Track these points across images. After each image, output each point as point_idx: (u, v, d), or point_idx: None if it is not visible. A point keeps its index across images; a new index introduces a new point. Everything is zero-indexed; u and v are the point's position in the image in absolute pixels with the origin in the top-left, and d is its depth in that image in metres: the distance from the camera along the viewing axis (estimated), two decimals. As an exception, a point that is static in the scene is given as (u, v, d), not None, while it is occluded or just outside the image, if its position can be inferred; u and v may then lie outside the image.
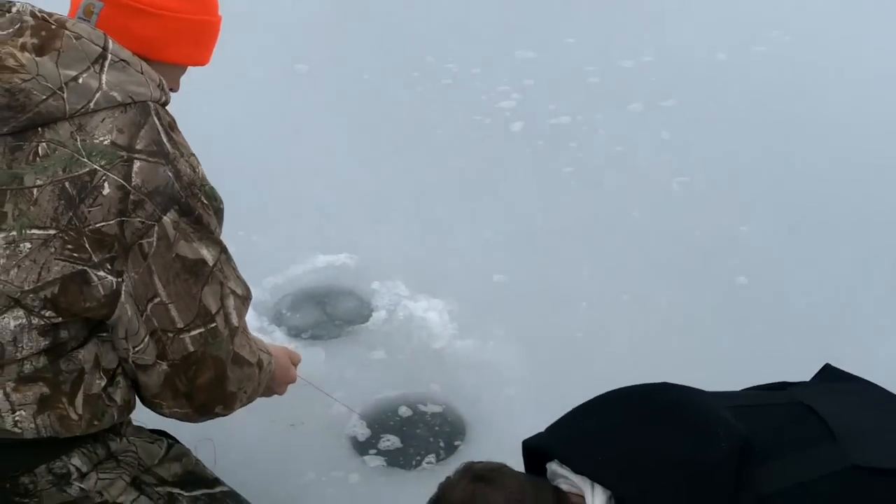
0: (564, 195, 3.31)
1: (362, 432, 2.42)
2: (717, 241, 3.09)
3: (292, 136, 3.66)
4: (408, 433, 2.43)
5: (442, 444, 2.40)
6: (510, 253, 3.03)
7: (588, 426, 1.56)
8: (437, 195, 3.31)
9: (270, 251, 2.89)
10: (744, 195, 3.28)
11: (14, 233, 1.56)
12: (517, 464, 2.26)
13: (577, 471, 1.48)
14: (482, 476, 1.46)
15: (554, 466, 1.53)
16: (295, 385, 2.40)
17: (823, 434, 1.48)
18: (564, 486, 1.51)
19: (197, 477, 1.90)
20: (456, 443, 2.40)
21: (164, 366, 1.68)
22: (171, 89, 1.77)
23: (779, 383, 1.73)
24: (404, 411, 2.48)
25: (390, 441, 2.40)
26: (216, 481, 1.94)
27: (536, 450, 1.58)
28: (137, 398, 1.79)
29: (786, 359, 2.54)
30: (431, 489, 2.24)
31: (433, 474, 2.31)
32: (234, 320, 1.73)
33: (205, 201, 1.65)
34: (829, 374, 1.75)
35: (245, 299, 1.77)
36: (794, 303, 2.83)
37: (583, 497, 1.46)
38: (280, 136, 3.66)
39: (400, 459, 2.36)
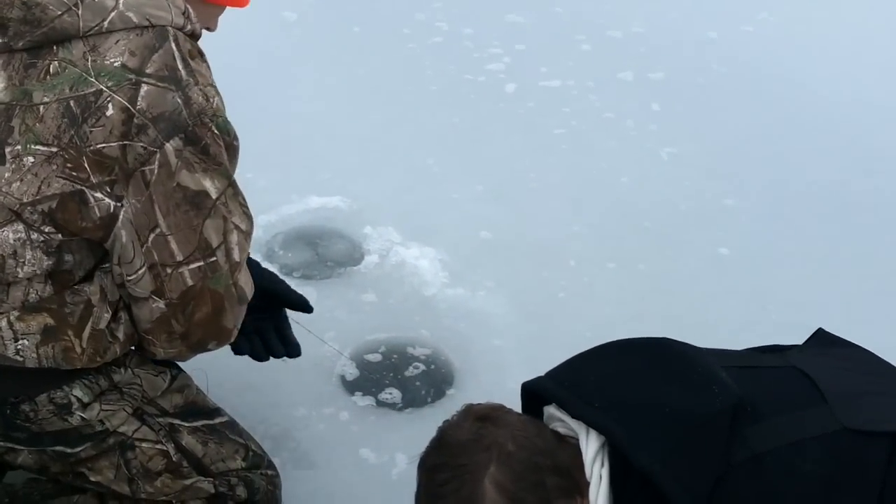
0: (555, 156, 3.33)
1: (352, 372, 2.44)
2: (703, 211, 3.14)
3: (284, 81, 3.63)
4: (397, 375, 2.44)
5: (431, 387, 2.42)
6: (501, 207, 3.05)
7: (587, 373, 1.57)
8: (430, 147, 3.31)
9: (264, 189, 2.87)
10: (730, 169, 3.33)
11: (19, 147, 1.55)
12: (506, 410, 2.31)
13: (573, 415, 1.49)
14: (485, 416, 1.48)
15: (551, 410, 1.55)
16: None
17: (815, 397, 1.51)
18: (561, 430, 1.52)
19: (198, 407, 1.90)
20: (445, 388, 2.42)
21: (161, 304, 1.66)
22: (207, 28, 1.76)
23: (772, 346, 1.77)
24: (394, 354, 2.50)
25: (380, 381, 2.42)
26: (216, 411, 1.94)
27: (535, 393, 1.59)
28: None
29: (764, 330, 2.62)
30: (421, 429, 2.27)
31: (422, 415, 2.35)
32: (236, 255, 1.71)
33: (215, 131, 1.61)
34: (821, 338, 1.78)
35: (248, 234, 1.75)
36: (776, 276, 2.89)
37: (577, 441, 1.48)
38: (271, 81, 3.63)
39: (389, 400, 2.38)
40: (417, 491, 1.48)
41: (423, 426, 2.28)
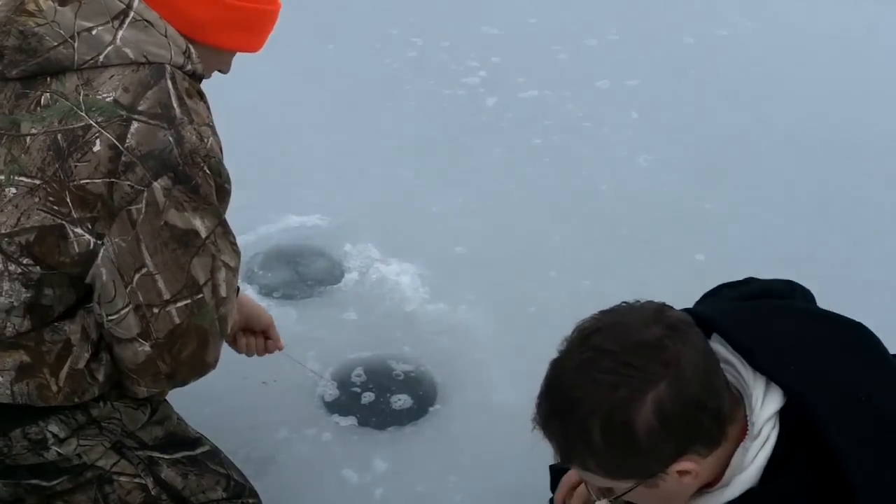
0: (534, 166, 3.33)
1: (332, 392, 2.42)
2: (682, 216, 3.14)
3: (259, 98, 3.62)
4: (379, 394, 2.43)
5: (413, 405, 2.40)
6: (481, 220, 3.05)
7: (774, 329, 1.45)
8: (408, 162, 3.31)
9: (242, 209, 2.79)
10: (708, 173, 3.34)
11: (2, 177, 1.54)
12: (490, 425, 2.29)
13: (759, 369, 1.38)
14: (676, 327, 1.34)
15: (717, 347, 1.43)
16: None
17: None
18: (728, 376, 1.42)
19: (178, 438, 1.87)
20: (426, 405, 2.40)
21: (147, 346, 1.64)
22: (220, 71, 1.74)
23: None
24: (376, 372, 2.48)
25: (362, 401, 2.40)
26: (197, 441, 1.91)
27: (702, 322, 1.43)
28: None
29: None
30: (404, 447, 2.28)
31: (405, 435, 2.33)
32: (223, 291, 1.69)
33: (207, 171, 1.58)
34: None
35: (236, 270, 1.73)
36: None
37: (740, 392, 1.39)
38: (247, 98, 3.60)
39: (372, 420, 2.36)
40: (564, 357, 1.34)
41: (406, 444, 2.29)
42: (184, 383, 1.78)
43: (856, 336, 1.46)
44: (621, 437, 1.30)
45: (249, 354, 2.11)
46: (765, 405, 1.37)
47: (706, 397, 1.32)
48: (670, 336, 1.32)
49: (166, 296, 1.62)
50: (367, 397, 2.41)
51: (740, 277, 2.88)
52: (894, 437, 1.34)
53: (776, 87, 3.87)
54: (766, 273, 2.86)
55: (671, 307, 1.39)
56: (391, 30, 4.23)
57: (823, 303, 2.73)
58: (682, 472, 1.34)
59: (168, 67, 1.58)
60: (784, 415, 1.36)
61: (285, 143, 3.38)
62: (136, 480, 1.77)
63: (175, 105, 1.56)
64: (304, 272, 2.82)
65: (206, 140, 1.59)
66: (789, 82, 3.89)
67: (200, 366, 1.75)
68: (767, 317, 1.48)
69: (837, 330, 1.47)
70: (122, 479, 1.76)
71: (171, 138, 1.54)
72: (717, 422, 1.34)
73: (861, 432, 1.33)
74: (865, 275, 2.91)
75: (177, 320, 1.64)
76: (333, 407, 2.38)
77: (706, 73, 3.96)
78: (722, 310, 1.50)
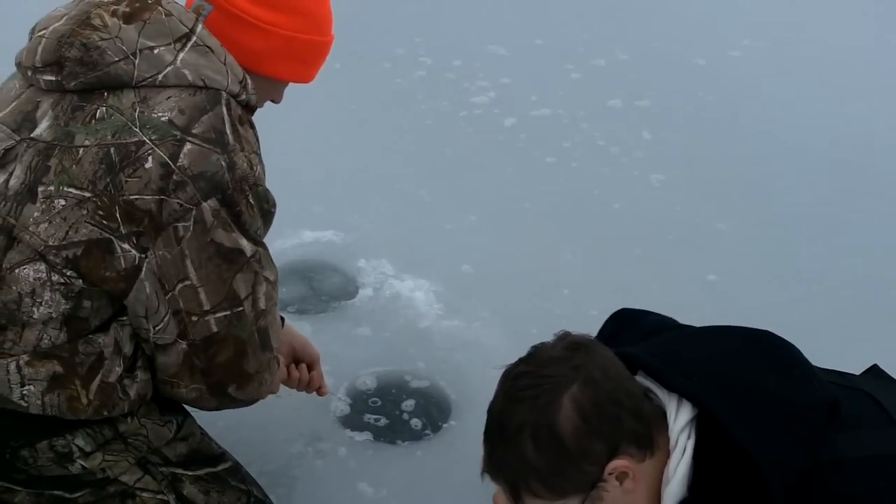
0: (547, 184, 3.35)
1: (346, 407, 2.42)
2: (694, 236, 3.16)
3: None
4: (393, 409, 2.43)
5: (427, 420, 2.41)
6: (494, 237, 3.06)
7: (684, 349, 1.55)
8: (422, 178, 3.33)
9: (257, 225, 2.88)
10: (720, 194, 3.36)
11: (52, 188, 1.55)
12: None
13: (667, 386, 1.47)
14: (579, 344, 1.46)
15: (639, 379, 1.52)
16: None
17: (885, 420, 1.52)
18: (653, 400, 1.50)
19: (202, 455, 1.87)
20: (441, 421, 2.41)
21: (184, 344, 1.66)
22: (272, 100, 1.80)
23: (831, 370, 1.76)
24: (390, 387, 2.49)
25: (376, 416, 2.41)
26: (221, 457, 1.92)
27: (623, 360, 1.52)
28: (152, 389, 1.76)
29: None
30: (419, 462, 2.29)
31: (420, 448, 2.34)
32: (262, 304, 1.71)
33: (251, 200, 1.63)
34: (875, 373, 1.78)
35: (275, 283, 1.76)
36: (768, 298, 2.90)
37: (662, 411, 1.46)
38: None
39: (386, 435, 2.36)
40: (494, 398, 1.46)
41: (421, 459, 2.30)
42: (222, 388, 1.75)
43: (762, 343, 1.54)
44: (550, 441, 1.38)
45: (300, 389, 2.14)
46: (677, 418, 1.45)
47: (621, 395, 1.41)
48: (575, 349, 1.45)
49: (206, 307, 1.64)
50: (382, 412, 2.42)
51: (751, 297, 2.93)
52: (796, 425, 1.42)
53: (787, 108, 3.89)
54: (777, 293, 2.91)
55: (576, 333, 1.50)
56: (397, 49, 4.26)
57: (835, 323, 2.78)
58: (620, 476, 1.41)
59: (224, 94, 1.62)
60: (701, 425, 1.44)
61: (299, 158, 3.39)
62: (159, 497, 1.78)
63: (228, 132, 1.60)
64: (319, 287, 2.84)
65: (255, 168, 1.64)
66: (800, 103, 3.92)
67: (238, 374, 1.75)
68: (677, 341, 1.59)
69: (742, 340, 1.55)
70: (145, 494, 1.76)
71: (223, 163, 1.58)
72: (640, 422, 1.42)
73: (764, 424, 1.41)
74: (877, 295, 2.91)
75: (214, 329, 1.66)
76: (348, 421, 2.39)
77: (716, 94, 3.99)
78: (641, 347, 1.58)
